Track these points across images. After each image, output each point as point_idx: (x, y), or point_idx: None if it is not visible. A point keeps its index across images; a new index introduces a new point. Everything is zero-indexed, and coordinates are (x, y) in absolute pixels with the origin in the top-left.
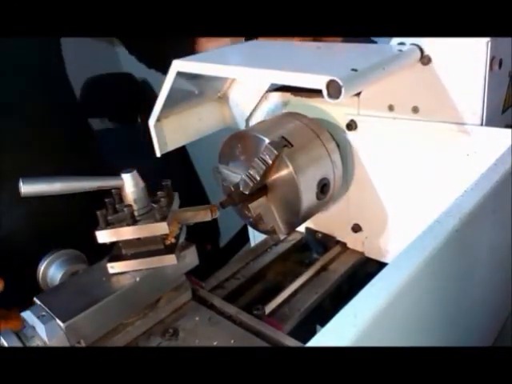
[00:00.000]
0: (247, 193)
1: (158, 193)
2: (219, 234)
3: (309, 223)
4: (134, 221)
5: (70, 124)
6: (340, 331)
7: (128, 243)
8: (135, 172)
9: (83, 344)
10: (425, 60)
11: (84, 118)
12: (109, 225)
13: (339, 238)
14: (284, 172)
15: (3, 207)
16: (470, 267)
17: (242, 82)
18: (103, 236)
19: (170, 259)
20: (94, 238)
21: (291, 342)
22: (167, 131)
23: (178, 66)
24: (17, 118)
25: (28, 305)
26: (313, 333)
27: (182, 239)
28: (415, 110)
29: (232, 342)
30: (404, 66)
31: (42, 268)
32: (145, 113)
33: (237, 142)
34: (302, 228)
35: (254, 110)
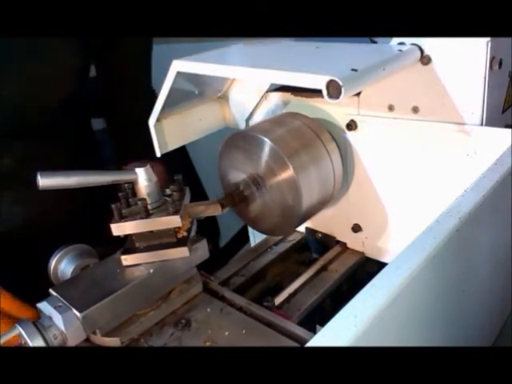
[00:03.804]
0: (247, 193)
1: (170, 187)
2: (219, 234)
3: (309, 223)
4: (147, 214)
5: (71, 124)
6: (340, 331)
7: (141, 236)
8: (148, 166)
9: (99, 334)
10: (425, 60)
11: (84, 117)
12: (123, 218)
13: (339, 238)
14: (284, 172)
15: (5, 206)
16: (470, 267)
17: (241, 82)
18: (118, 229)
19: (182, 252)
20: (95, 235)
21: (301, 332)
22: (167, 131)
23: (178, 66)
24: (17, 121)
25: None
26: (313, 333)
27: (193, 233)
28: (415, 110)
29: (243, 331)
30: (404, 66)
31: (53, 262)
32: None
33: (237, 142)
34: (302, 228)
35: (254, 109)
